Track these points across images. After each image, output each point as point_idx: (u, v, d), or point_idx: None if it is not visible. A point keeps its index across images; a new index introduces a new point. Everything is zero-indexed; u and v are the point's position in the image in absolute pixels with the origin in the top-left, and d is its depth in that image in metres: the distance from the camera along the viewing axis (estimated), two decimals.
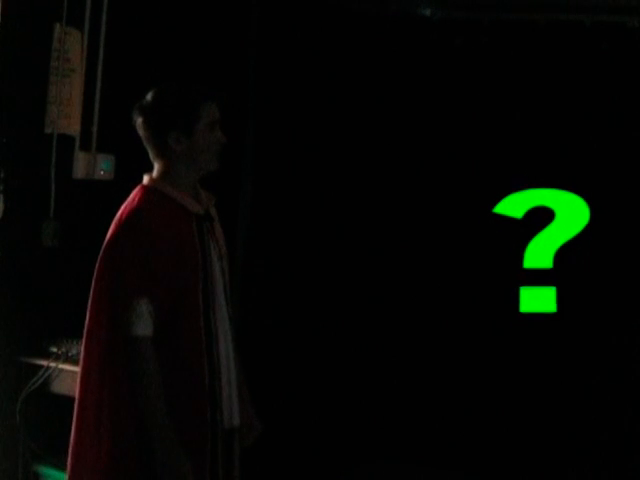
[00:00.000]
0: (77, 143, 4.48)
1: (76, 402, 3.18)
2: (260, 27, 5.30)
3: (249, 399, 3.44)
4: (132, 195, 3.22)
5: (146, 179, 3.24)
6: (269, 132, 5.35)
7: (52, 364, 4.19)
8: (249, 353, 3.77)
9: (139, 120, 3.22)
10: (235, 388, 3.26)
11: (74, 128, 4.48)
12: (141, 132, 3.23)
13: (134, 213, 3.14)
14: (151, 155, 3.25)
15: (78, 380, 3.19)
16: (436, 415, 5.31)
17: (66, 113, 4.43)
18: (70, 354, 4.19)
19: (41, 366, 4.20)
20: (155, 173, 3.23)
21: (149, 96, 3.24)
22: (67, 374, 4.11)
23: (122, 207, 3.21)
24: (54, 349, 4.23)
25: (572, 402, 5.12)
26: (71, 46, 4.42)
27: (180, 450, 3.07)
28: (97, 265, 3.17)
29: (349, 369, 5.34)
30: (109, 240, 3.16)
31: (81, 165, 4.47)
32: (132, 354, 3.07)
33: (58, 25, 4.36)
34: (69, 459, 3.18)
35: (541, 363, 5.11)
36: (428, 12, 5.36)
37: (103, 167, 4.53)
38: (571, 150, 5.10)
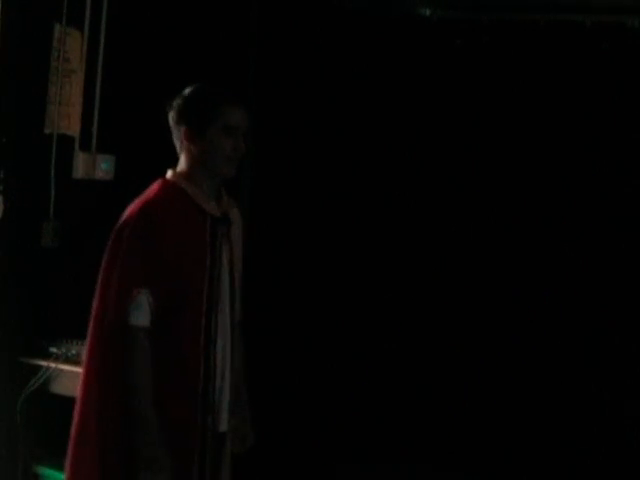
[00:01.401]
0: (77, 143, 4.48)
1: (79, 386, 3.14)
2: (260, 27, 5.30)
3: (248, 407, 3.40)
4: (152, 187, 3.21)
5: (169, 173, 3.24)
6: (269, 132, 5.35)
7: (52, 364, 4.18)
8: (249, 355, 3.76)
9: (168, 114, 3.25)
10: (227, 395, 3.23)
11: (74, 128, 4.47)
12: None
13: (149, 204, 3.14)
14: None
15: (83, 364, 3.17)
16: (435, 415, 5.31)
17: (66, 113, 4.43)
18: (70, 354, 4.18)
19: (41, 366, 4.19)
20: (177, 169, 3.24)
21: None
22: (67, 374, 4.10)
23: (139, 197, 3.20)
24: (54, 349, 4.22)
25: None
26: (71, 46, 4.42)
27: (161, 443, 3.03)
28: (106, 250, 3.16)
29: (348, 370, 5.34)
30: (120, 226, 3.15)
31: (81, 165, 4.47)
32: (126, 342, 3.06)
33: (58, 25, 4.35)
34: (68, 453, 3.15)
35: None
36: (428, 12, 5.36)
37: (103, 167, 4.52)
38: None
